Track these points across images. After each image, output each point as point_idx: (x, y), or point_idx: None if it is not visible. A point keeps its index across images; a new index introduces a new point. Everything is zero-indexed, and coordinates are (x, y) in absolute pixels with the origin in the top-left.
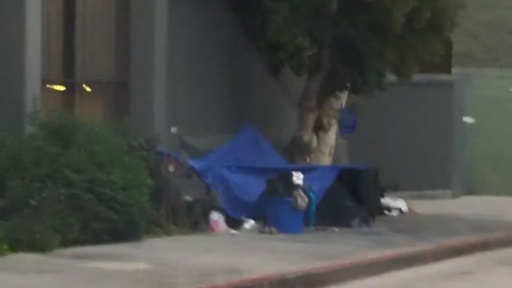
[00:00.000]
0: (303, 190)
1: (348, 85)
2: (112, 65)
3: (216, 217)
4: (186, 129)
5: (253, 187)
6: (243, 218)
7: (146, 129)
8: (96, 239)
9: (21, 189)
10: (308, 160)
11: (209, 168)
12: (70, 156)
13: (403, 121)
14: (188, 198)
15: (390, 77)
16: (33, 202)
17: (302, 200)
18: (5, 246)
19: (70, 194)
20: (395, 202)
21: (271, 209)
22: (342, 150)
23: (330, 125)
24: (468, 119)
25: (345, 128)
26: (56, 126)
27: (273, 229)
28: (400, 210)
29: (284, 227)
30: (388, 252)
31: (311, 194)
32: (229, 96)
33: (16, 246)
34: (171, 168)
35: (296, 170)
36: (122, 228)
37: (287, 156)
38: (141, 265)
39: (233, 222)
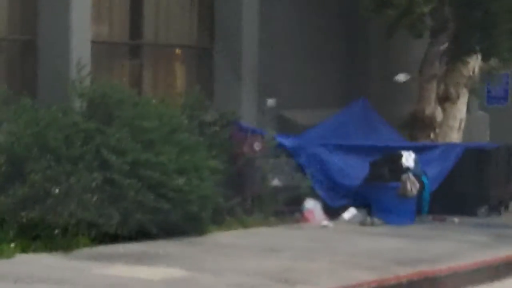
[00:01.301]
0: (414, 174)
1: (477, 48)
2: (191, 27)
3: (311, 205)
4: (285, 102)
5: (356, 170)
6: (345, 206)
7: (231, 102)
8: (143, 234)
9: (44, 174)
10: (432, 136)
11: (302, 147)
12: (110, 133)
13: None
14: (276, 182)
15: None
16: (55, 191)
17: (412, 186)
18: (12, 245)
19: (107, 179)
20: None
21: (375, 197)
22: (481, 125)
23: (458, 96)
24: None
25: (494, 99)
26: (98, 97)
27: (376, 220)
28: None
29: (390, 218)
30: (505, 253)
31: (424, 179)
32: (338, 66)
33: (30, 245)
34: (256, 146)
35: (409, 149)
36: (177, 220)
37: (407, 133)
38: (174, 272)
39: (333, 211)
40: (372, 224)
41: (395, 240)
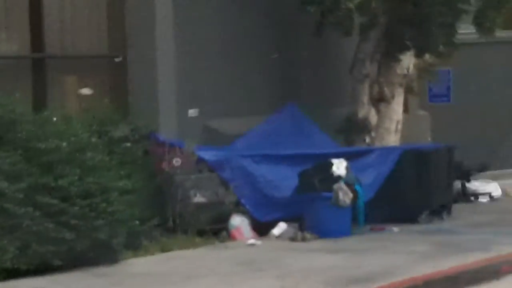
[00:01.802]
0: (347, 182)
1: (410, 44)
2: (101, 36)
3: (237, 221)
4: (210, 111)
5: (286, 181)
6: (276, 220)
7: (149, 114)
8: (46, 267)
9: None
10: (368, 140)
11: (226, 159)
12: (1, 157)
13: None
14: (199, 199)
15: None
16: None
17: (344, 196)
18: None
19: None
20: (485, 186)
21: (307, 209)
22: (422, 125)
23: (393, 96)
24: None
25: (437, 97)
26: None
27: (307, 234)
28: (490, 195)
29: (324, 231)
30: (448, 264)
31: (357, 187)
32: (267, 70)
33: None
34: (176, 162)
35: (342, 155)
36: (84, 250)
37: (342, 138)
38: None
39: (263, 227)
40: (304, 239)
41: (327, 257)
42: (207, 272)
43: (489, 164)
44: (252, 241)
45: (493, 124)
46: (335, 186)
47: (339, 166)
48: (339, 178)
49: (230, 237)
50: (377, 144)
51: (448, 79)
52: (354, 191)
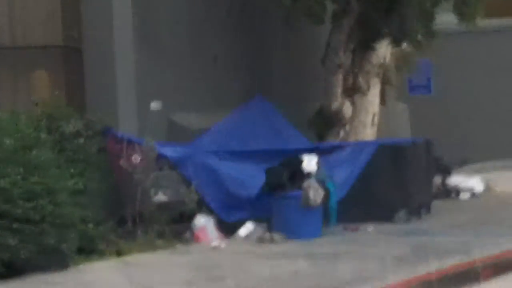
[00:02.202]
0: (318, 180)
1: (386, 32)
2: (55, 25)
3: (202, 222)
4: (175, 105)
5: (253, 179)
6: (243, 220)
7: (106, 108)
8: None
9: None
10: (342, 135)
11: (188, 156)
12: None
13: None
14: (160, 198)
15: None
16: None
17: (315, 194)
18: None
19: None
20: (468, 181)
21: (275, 208)
22: (401, 118)
23: (369, 87)
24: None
25: (417, 88)
26: None
27: (275, 236)
28: (472, 191)
29: (293, 232)
30: (425, 269)
31: (329, 185)
32: (236, 62)
33: None
34: (135, 159)
35: (313, 150)
36: (29, 256)
37: (314, 132)
38: None
39: (229, 227)
40: (272, 240)
41: (295, 262)
42: (161, 280)
43: (470, 158)
44: (216, 243)
45: (475, 116)
46: (305, 184)
47: (309, 163)
48: (309, 175)
49: (194, 238)
50: (352, 138)
51: (428, 70)
52: (325, 189)
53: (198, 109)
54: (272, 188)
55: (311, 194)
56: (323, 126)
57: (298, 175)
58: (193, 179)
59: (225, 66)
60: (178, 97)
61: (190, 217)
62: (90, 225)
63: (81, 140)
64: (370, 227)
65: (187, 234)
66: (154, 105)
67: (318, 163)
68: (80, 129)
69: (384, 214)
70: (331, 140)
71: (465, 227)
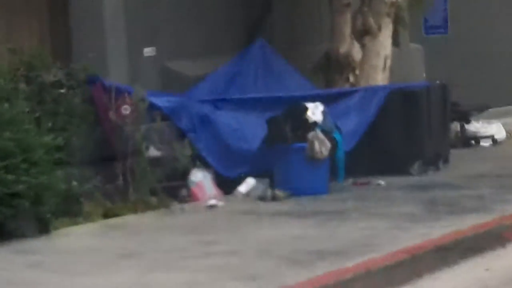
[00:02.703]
0: (324, 130)
1: None
2: None
3: (199, 177)
4: (170, 51)
5: (254, 130)
6: (244, 175)
7: (95, 55)
8: None
9: None
10: (352, 80)
11: (183, 106)
12: None
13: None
14: (153, 153)
15: None
16: None
17: (321, 146)
18: None
19: None
20: (487, 128)
21: (277, 162)
22: (415, 61)
23: (380, 28)
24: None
25: (433, 29)
26: None
27: (279, 193)
28: (492, 138)
29: (298, 188)
30: (440, 232)
31: (336, 135)
32: (232, 4)
33: None
34: (124, 110)
35: (319, 97)
36: (2, 220)
37: (321, 78)
38: None
39: (229, 183)
40: (274, 198)
41: (297, 223)
42: (151, 246)
43: (491, 103)
44: (213, 201)
45: (496, 57)
46: (310, 135)
47: (315, 111)
48: (314, 125)
49: (190, 195)
50: (362, 84)
51: (444, 8)
52: (332, 140)
53: (194, 55)
54: (274, 140)
55: (317, 146)
56: (330, 71)
57: (302, 125)
58: (188, 131)
59: (222, 8)
60: (173, 42)
61: (186, 173)
62: (74, 184)
63: (63, 91)
64: (382, 182)
65: (183, 191)
66: (147, 51)
67: (324, 112)
68: (61, 79)
69: (398, 166)
70: (339, 86)
71: (486, 179)
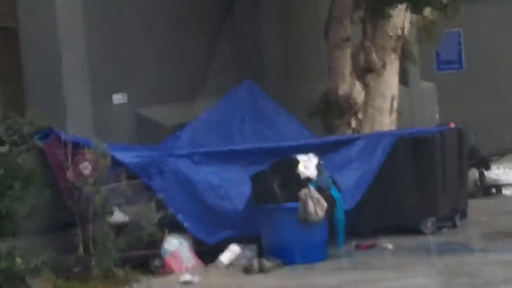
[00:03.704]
0: (319, 187)
1: None
2: None
3: (174, 245)
4: (144, 96)
5: (239, 187)
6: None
7: (51, 104)
8: None
9: None
10: (354, 125)
11: (153, 161)
12: None
13: None
14: (119, 218)
15: None
16: None
17: (316, 206)
18: None
19: None
20: (509, 174)
21: (266, 226)
22: (427, 101)
23: (385, 64)
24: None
25: (446, 64)
26: None
27: (267, 262)
28: None
29: (289, 256)
30: None
31: (334, 192)
32: (220, 42)
33: None
34: (85, 169)
35: (315, 147)
36: None
37: (320, 123)
38: None
39: (211, 250)
40: (262, 269)
41: None
42: None
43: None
44: (187, 277)
45: None
46: (303, 193)
47: (308, 165)
48: (308, 181)
49: (164, 267)
50: (367, 129)
51: (458, 42)
52: (329, 199)
53: (173, 100)
54: (261, 199)
55: (311, 206)
56: (329, 115)
57: (293, 182)
58: (161, 191)
59: (204, 46)
60: (147, 86)
61: (159, 240)
62: (18, 260)
63: (4, 149)
64: (389, 245)
65: (156, 262)
66: (118, 97)
67: (319, 165)
68: (1, 135)
69: (408, 224)
70: (341, 132)
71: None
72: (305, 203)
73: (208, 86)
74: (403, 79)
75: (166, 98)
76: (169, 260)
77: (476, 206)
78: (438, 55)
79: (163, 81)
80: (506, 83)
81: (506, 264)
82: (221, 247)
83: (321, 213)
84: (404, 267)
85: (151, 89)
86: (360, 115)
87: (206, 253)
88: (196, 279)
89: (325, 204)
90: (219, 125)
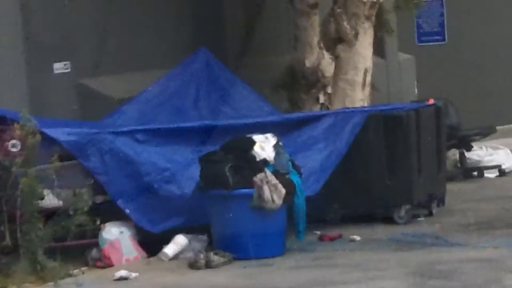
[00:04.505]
0: (276, 171)
1: None
2: None
3: (113, 235)
4: (89, 66)
5: (189, 170)
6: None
7: None
8: None
9: None
10: (322, 100)
11: (91, 139)
12: None
13: None
14: (51, 202)
15: None
16: None
17: (272, 192)
18: None
19: None
20: (493, 156)
21: (215, 214)
22: (406, 75)
23: (357, 34)
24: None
25: (427, 36)
26: None
27: (215, 256)
28: (500, 169)
29: (242, 248)
30: None
31: (294, 177)
32: (170, 5)
33: None
34: (13, 147)
35: (275, 125)
36: None
37: (285, 97)
38: None
39: (156, 240)
40: (209, 264)
41: None
42: None
43: (497, 123)
44: (122, 273)
45: (501, 66)
46: (258, 177)
47: (265, 146)
48: (264, 164)
49: (102, 260)
50: (338, 105)
51: (441, 13)
52: (288, 184)
53: (122, 70)
54: (210, 184)
55: (267, 192)
56: (296, 89)
57: (247, 165)
58: (98, 174)
59: (156, 10)
60: (93, 54)
61: (98, 227)
62: None
63: None
64: (356, 237)
65: (93, 253)
66: (59, 66)
67: (278, 146)
68: None
69: (379, 212)
70: (308, 109)
71: (494, 230)
72: (260, 189)
73: (162, 55)
74: (380, 50)
75: (115, 68)
76: (108, 251)
77: (455, 191)
78: (419, 26)
79: (111, 49)
80: (491, 58)
81: (487, 262)
82: (170, 237)
83: (278, 200)
84: (371, 266)
85: (98, 58)
86: (329, 90)
87: (152, 244)
88: (132, 275)
89: (283, 191)
90: (170, 99)
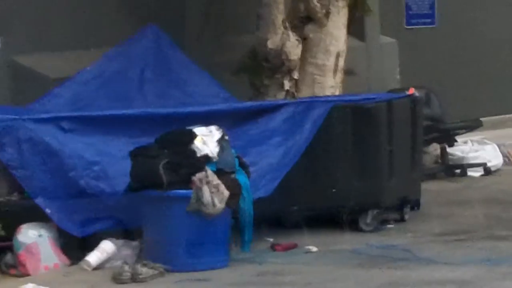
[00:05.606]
0: (219, 169)
1: None
2: None
3: (30, 239)
4: (23, 42)
5: (121, 164)
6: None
7: None
8: None
9: None
10: (288, 86)
11: (7, 127)
12: None
13: None
14: None
15: None
16: None
17: (214, 194)
18: None
19: None
20: (478, 152)
21: (147, 218)
22: (387, 60)
23: (328, 12)
24: None
25: (416, 18)
26: None
27: (143, 268)
28: (485, 167)
29: (175, 260)
30: None
31: (240, 176)
32: None
33: None
34: None
35: (225, 114)
36: None
37: (246, 83)
38: None
39: (81, 245)
40: (135, 278)
41: None
42: None
43: (485, 114)
44: (29, 286)
45: (494, 56)
46: (197, 176)
47: (207, 140)
48: (205, 161)
49: (18, 267)
50: (305, 92)
51: None
52: (233, 185)
53: (60, 48)
54: (141, 183)
55: (206, 194)
56: (258, 74)
57: (185, 162)
58: (13, 167)
59: None
60: (27, 29)
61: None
62: None
63: None
64: (313, 248)
65: (7, 258)
66: None
67: (222, 141)
68: None
69: (342, 218)
70: (272, 96)
71: (474, 239)
72: (199, 190)
73: (107, 32)
74: (359, 32)
75: (52, 44)
76: (23, 256)
77: (433, 192)
78: (408, 7)
79: (48, 25)
80: (482, 45)
81: (460, 285)
82: (97, 239)
83: (219, 204)
84: (324, 286)
85: (33, 33)
86: (295, 75)
87: (77, 249)
88: None
89: (225, 192)
90: (112, 81)
